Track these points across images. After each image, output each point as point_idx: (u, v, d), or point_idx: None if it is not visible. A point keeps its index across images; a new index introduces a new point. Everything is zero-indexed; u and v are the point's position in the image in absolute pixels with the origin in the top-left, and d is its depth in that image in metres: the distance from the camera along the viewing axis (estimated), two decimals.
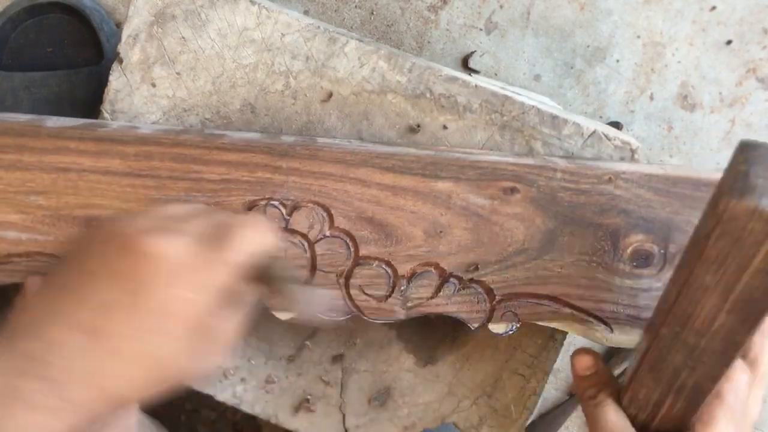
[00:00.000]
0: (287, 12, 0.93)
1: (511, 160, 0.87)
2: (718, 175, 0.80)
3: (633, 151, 0.94)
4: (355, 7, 1.16)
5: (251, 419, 1.37)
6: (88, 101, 1.08)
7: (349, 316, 0.90)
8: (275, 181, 0.86)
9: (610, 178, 0.87)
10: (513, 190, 0.87)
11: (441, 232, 0.88)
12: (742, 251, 0.67)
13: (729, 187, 0.67)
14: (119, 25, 0.99)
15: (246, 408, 1.04)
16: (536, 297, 0.89)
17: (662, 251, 0.88)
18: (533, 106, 0.93)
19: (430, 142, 0.94)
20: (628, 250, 0.88)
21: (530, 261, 0.89)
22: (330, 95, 0.94)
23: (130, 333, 0.66)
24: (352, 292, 0.89)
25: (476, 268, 0.89)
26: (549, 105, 1.02)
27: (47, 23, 1.13)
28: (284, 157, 0.86)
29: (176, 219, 0.71)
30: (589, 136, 0.94)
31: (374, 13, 1.17)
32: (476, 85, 0.93)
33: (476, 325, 0.90)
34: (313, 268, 0.88)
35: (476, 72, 1.19)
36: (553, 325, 0.90)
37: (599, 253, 0.89)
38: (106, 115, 0.94)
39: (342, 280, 0.89)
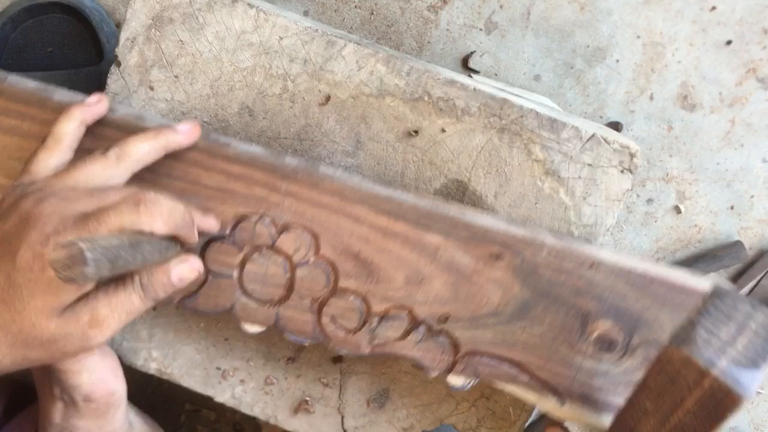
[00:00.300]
0: (285, 15, 0.93)
1: (502, 227, 0.90)
2: (694, 281, 0.90)
3: (632, 155, 0.94)
4: (355, 7, 1.16)
5: (251, 419, 1.37)
6: None
7: (315, 341, 0.92)
8: (271, 200, 0.88)
9: (592, 264, 0.90)
10: (498, 257, 0.90)
11: (421, 280, 0.90)
12: (676, 391, 0.74)
13: (675, 332, 0.74)
14: (119, 25, 1.00)
15: (245, 409, 1.05)
16: (499, 359, 0.92)
17: (626, 341, 0.91)
18: (532, 110, 0.93)
19: (428, 146, 0.95)
20: (595, 334, 0.91)
21: (500, 324, 0.91)
22: (328, 98, 0.94)
23: (2, 283, 0.71)
24: (323, 319, 0.91)
25: (446, 319, 0.91)
26: (549, 106, 1.02)
27: (47, 23, 1.13)
28: (285, 180, 0.87)
29: (79, 189, 0.76)
30: (588, 140, 0.94)
31: (374, 13, 1.16)
32: (475, 89, 0.93)
33: (435, 374, 0.92)
34: (290, 288, 0.90)
35: (476, 72, 1.19)
36: (509, 388, 0.93)
37: (567, 330, 0.92)
38: None
39: (316, 306, 0.91)
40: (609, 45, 1.18)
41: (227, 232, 0.88)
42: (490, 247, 0.90)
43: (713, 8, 1.17)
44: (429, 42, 1.18)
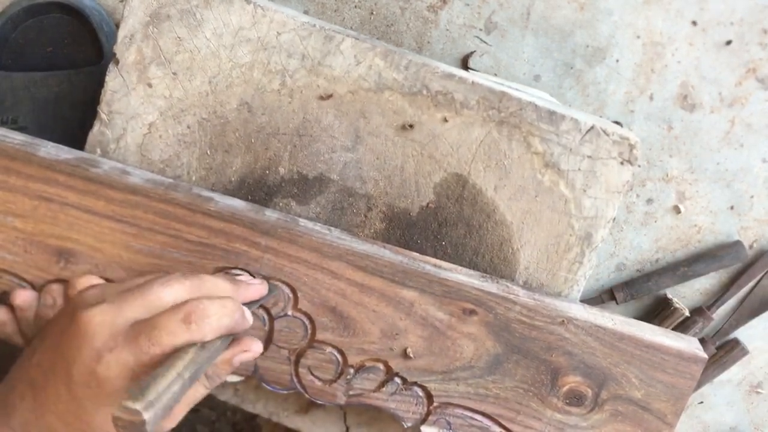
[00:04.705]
0: (282, 10, 0.93)
1: (476, 284, 0.94)
2: (660, 339, 0.95)
3: (632, 146, 0.94)
4: (355, 7, 1.16)
5: (251, 419, 1.37)
6: (88, 101, 1.07)
7: (292, 391, 0.94)
8: (251, 255, 0.91)
9: (563, 321, 0.95)
10: (472, 312, 0.94)
11: (397, 334, 0.93)
12: None
13: None
14: (119, 25, 1.00)
15: (248, 407, 1.04)
16: (471, 411, 0.97)
17: (595, 395, 0.96)
18: (531, 102, 0.93)
19: (427, 140, 0.95)
20: (564, 388, 0.97)
21: (473, 378, 0.95)
22: (327, 94, 0.94)
23: (63, 395, 0.73)
24: (300, 370, 0.94)
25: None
26: (548, 100, 1.02)
27: (47, 23, 1.13)
28: (264, 236, 0.90)
29: (122, 292, 0.77)
30: (587, 132, 0.94)
31: (374, 13, 1.16)
32: (473, 82, 0.93)
33: (410, 425, 0.97)
34: (269, 341, 0.93)
35: (476, 72, 1.19)
36: None
37: (537, 384, 0.96)
38: (103, 115, 0.95)
39: (293, 358, 0.94)
40: (609, 45, 1.18)
41: None
42: (464, 303, 0.93)
43: (713, 8, 1.17)
44: (429, 42, 1.18)
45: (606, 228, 0.97)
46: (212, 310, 0.76)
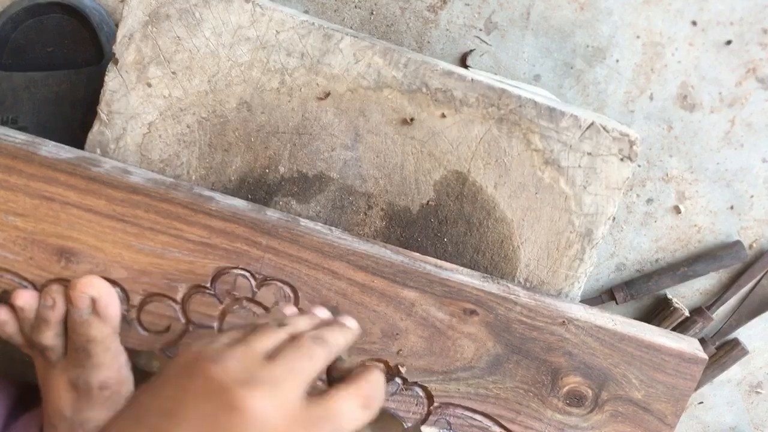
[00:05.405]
0: (281, 9, 0.93)
1: (477, 284, 0.94)
2: (661, 339, 0.95)
3: (632, 143, 0.94)
4: (355, 7, 1.16)
5: None
6: (89, 101, 1.08)
7: None
8: (252, 255, 0.90)
9: (563, 321, 0.95)
10: (473, 312, 0.94)
11: (397, 335, 0.93)
12: None
13: None
14: (119, 25, 1.00)
15: None
16: (472, 411, 0.97)
17: (595, 396, 0.96)
18: (530, 99, 0.93)
19: (427, 138, 0.95)
20: (565, 389, 0.96)
21: (473, 378, 0.95)
22: (326, 92, 0.94)
23: None
24: None
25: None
26: (548, 97, 1.02)
27: (47, 23, 1.13)
28: (265, 235, 0.90)
29: (271, 365, 0.69)
30: (587, 128, 0.94)
31: (374, 13, 1.17)
32: (472, 79, 0.93)
33: (410, 424, 0.97)
34: None
35: (474, 70, 1.19)
36: None
37: (538, 385, 0.96)
38: (102, 115, 0.94)
39: None
40: (609, 45, 1.18)
41: (208, 284, 0.90)
42: (465, 303, 0.93)
43: (713, 8, 1.17)
44: (429, 42, 1.18)
45: (606, 225, 0.97)
46: (381, 389, 0.74)
